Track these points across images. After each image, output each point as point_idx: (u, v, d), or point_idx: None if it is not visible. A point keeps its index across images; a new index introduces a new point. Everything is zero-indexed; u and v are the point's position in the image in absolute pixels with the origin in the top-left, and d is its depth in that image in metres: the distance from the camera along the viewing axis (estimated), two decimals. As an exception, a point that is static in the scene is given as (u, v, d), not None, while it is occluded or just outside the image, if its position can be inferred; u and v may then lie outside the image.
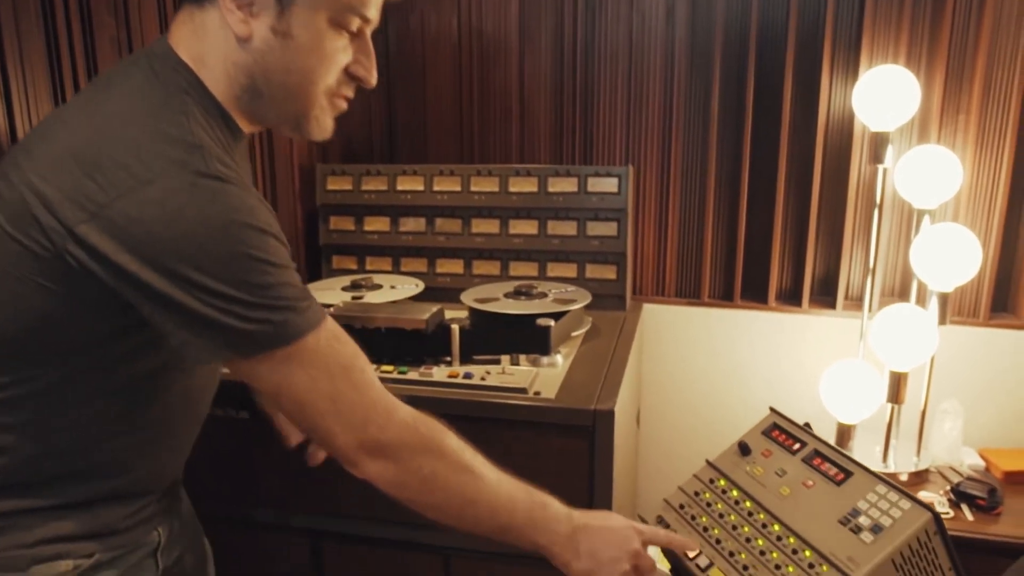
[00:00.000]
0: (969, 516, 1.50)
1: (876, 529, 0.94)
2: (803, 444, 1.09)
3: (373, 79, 0.93)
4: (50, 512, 0.88)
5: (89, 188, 0.75)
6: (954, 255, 1.53)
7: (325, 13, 0.84)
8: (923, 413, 1.64)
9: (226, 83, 0.86)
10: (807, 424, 1.22)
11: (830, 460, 1.04)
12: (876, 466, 1.63)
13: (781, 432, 1.13)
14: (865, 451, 1.69)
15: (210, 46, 0.86)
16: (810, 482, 1.03)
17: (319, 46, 0.86)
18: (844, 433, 1.67)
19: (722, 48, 1.77)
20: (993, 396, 1.74)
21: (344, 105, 0.94)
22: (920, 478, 1.62)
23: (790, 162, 1.79)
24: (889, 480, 0.98)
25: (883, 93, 1.59)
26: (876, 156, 1.63)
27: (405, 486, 0.90)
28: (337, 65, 0.88)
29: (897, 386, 1.57)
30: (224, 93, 0.87)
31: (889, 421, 1.62)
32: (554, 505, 0.96)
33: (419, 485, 0.90)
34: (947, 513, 1.50)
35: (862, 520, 0.95)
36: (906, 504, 0.94)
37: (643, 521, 1.11)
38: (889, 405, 1.61)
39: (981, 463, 1.66)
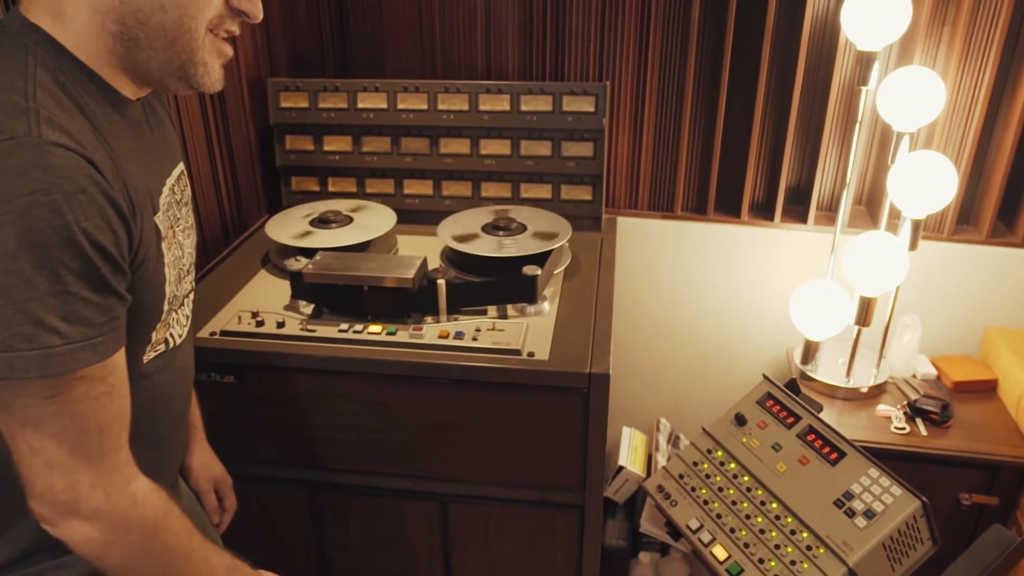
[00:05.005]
0: (923, 431, 1.62)
1: (869, 514, 1.01)
2: (797, 418, 1.14)
3: (258, 11, 0.83)
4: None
5: None
6: (931, 185, 1.54)
7: None
8: (886, 329, 1.72)
9: (93, 34, 0.75)
10: (792, 382, 1.28)
11: (824, 437, 1.09)
12: (839, 380, 1.73)
13: (775, 403, 1.17)
14: (829, 363, 1.78)
15: None
16: (805, 459, 1.09)
17: None
18: (811, 348, 1.75)
19: (706, -50, 1.64)
20: (948, 306, 1.83)
21: (230, 50, 0.84)
22: (879, 390, 1.72)
23: (770, 74, 1.73)
24: (880, 464, 1.04)
25: (873, 11, 1.51)
26: (862, 78, 1.58)
27: (106, 556, 0.80)
28: None
29: (866, 310, 1.63)
30: (93, 49, 0.76)
31: (855, 340, 1.69)
32: None
33: (122, 560, 0.80)
34: (903, 428, 1.62)
35: (856, 504, 1.02)
36: (897, 491, 1.01)
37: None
38: (856, 326, 1.67)
39: (933, 372, 1.77)
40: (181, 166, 0.97)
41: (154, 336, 0.87)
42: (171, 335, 0.92)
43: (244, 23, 0.83)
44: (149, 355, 0.87)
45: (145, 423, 0.90)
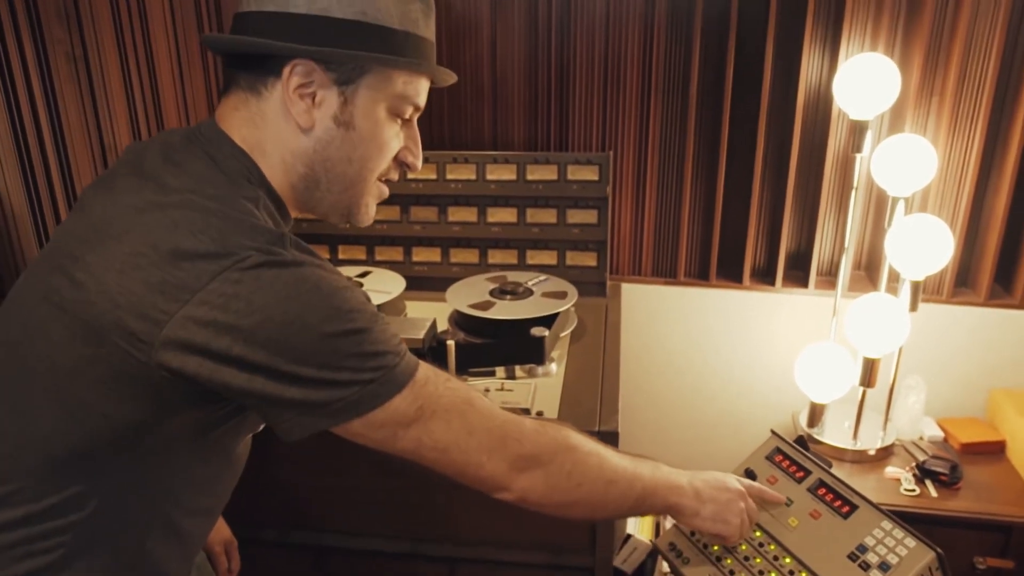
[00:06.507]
0: (933, 492, 1.61)
1: (884, 567, 1.00)
2: (807, 472, 1.14)
3: (420, 164, 0.94)
4: None
5: (177, 277, 0.73)
6: (928, 247, 1.57)
7: (384, 103, 0.86)
8: (890, 390, 1.73)
9: (282, 171, 0.86)
10: (801, 438, 1.28)
11: (835, 491, 1.10)
12: (847, 442, 1.73)
13: (784, 457, 1.18)
14: (835, 426, 1.78)
15: (269, 134, 0.84)
16: (817, 513, 1.09)
17: (378, 135, 0.87)
18: (817, 411, 1.76)
19: (702, 28, 1.73)
20: (951, 368, 1.84)
21: (387, 191, 0.94)
22: (887, 452, 1.72)
23: (767, 143, 1.79)
24: (893, 516, 1.04)
25: (864, 83, 1.58)
26: (856, 145, 1.64)
27: (555, 488, 0.90)
28: (392, 152, 0.90)
29: (870, 371, 1.64)
30: (280, 181, 0.86)
31: (860, 401, 1.70)
32: (662, 465, 1.02)
33: (567, 483, 0.91)
34: (913, 490, 1.61)
35: (870, 557, 1.01)
36: (911, 542, 1.00)
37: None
38: (861, 388, 1.68)
39: (940, 434, 1.77)
40: None
41: (259, 426, 0.94)
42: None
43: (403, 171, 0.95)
44: (244, 437, 0.95)
45: (220, 496, 0.97)
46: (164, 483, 0.86)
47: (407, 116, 0.89)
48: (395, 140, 0.89)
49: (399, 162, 0.92)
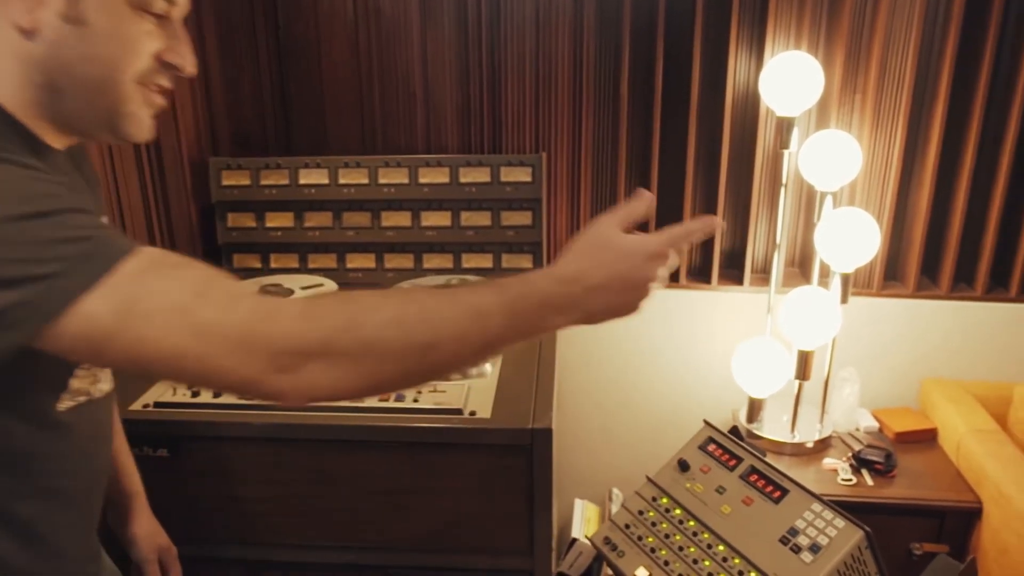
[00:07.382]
0: (869, 481, 1.63)
1: (815, 548, 1.00)
2: (739, 460, 1.14)
3: (189, 65, 0.83)
4: None
5: None
6: (856, 239, 1.60)
7: None
8: (826, 383, 1.75)
9: (18, 86, 0.75)
10: (734, 428, 1.28)
11: (766, 477, 1.10)
12: (785, 436, 1.74)
13: (717, 446, 1.17)
14: (774, 420, 1.79)
15: None
16: (749, 499, 1.09)
17: (120, 31, 0.76)
18: (755, 406, 1.77)
19: (631, 31, 1.74)
20: (883, 359, 1.87)
21: (162, 100, 0.83)
22: (824, 444, 1.74)
23: (698, 143, 1.81)
24: (822, 498, 1.04)
25: (789, 80, 1.61)
26: (783, 142, 1.67)
27: (345, 378, 0.71)
28: (144, 51, 0.79)
29: (804, 364, 1.66)
30: (16, 98, 0.76)
31: (797, 395, 1.72)
32: (530, 278, 0.77)
33: (359, 368, 0.71)
34: (850, 480, 1.62)
35: (801, 539, 1.01)
36: (840, 523, 1.01)
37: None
38: (797, 381, 1.70)
39: (875, 424, 1.79)
40: None
41: (74, 384, 0.85)
42: (95, 388, 0.89)
43: (177, 77, 0.84)
44: (66, 403, 0.84)
45: (65, 476, 0.87)
46: None
47: (157, 11, 0.79)
48: (146, 38, 0.78)
49: (164, 64, 0.81)
